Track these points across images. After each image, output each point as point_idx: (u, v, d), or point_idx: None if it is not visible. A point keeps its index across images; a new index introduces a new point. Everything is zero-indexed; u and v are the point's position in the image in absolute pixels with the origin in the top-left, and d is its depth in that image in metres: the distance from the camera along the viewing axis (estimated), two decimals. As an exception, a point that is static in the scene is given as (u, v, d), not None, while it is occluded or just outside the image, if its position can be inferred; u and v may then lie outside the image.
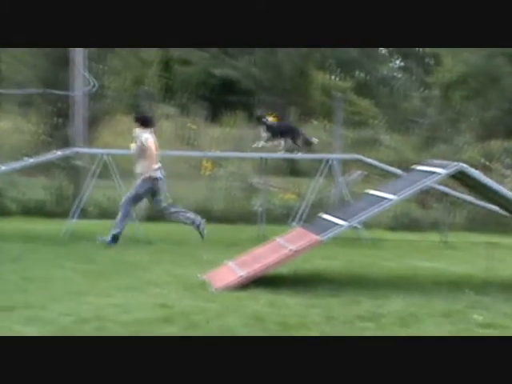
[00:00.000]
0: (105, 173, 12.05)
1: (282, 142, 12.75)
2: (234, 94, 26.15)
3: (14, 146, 17.56)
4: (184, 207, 14.67)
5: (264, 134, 12.76)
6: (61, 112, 15.68)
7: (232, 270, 8.43)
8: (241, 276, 8.04)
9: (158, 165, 11.29)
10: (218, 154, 15.42)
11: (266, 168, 14.06)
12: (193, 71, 27.22)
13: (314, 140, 13.26)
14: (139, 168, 11.24)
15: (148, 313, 6.78)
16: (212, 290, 7.83)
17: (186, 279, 8.43)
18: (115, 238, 11.01)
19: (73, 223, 11.82)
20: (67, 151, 12.74)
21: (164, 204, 11.42)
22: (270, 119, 13.06)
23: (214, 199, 15.10)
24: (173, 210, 11.56)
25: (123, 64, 21.66)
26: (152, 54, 24.10)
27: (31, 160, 12.12)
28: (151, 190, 11.26)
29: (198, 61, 27.51)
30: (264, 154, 14.20)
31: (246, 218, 14.02)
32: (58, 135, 16.23)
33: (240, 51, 26.80)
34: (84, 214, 12.22)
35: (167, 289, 7.90)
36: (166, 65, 26.42)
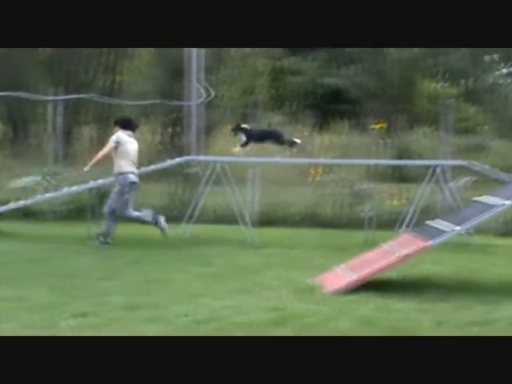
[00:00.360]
0: (219, 179, 12.21)
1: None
2: (341, 102, 26.04)
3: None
4: (294, 212, 14.77)
5: (243, 139, 12.63)
6: (177, 121, 16.00)
7: (342, 275, 8.40)
8: (350, 280, 8.00)
9: (134, 168, 11.17)
10: (326, 160, 15.43)
11: (374, 174, 13.95)
12: (301, 81, 27.27)
13: (297, 140, 13.15)
14: (116, 168, 11.15)
15: (261, 315, 6.83)
16: (322, 294, 7.83)
17: (296, 283, 8.43)
18: (162, 229, 11.27)
19: (189, 228, 12.03)
20: (184, 159, 12.98)
21: (126, 205, 11.18)
22: (247, 126, 12.86)
23: (322, 205, 15.08)
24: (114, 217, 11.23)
25: (235, 74, 21.95)
26: (263, 63, 24.32)
27: (151, 167, 12.40)
28: (132, 189, 11.12)
29: (307, 70, 27.54)
30: (372, 161, 14.12)
31: (354, 223, 13.93)
32: (174, 144, 16.58)
33: (348, 60, 26.71)
34: (199, 219, 12.40)
35: (279, 292, 7.93)
36: (276, 75, 26.58)
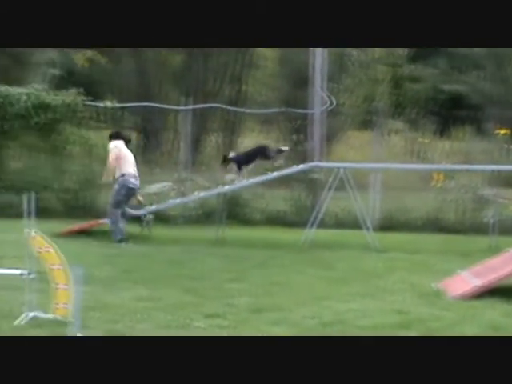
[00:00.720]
0: (340, 185, 12.13)
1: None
2: (462, 108, 25.43)
3: (257, 161, 18.16)
4: (416, 218, 14.51)
5: (235, 168, 12.60)
6: (300, 129, 16.04)
7: (466, 280, 8.17)
8: (476, 286, 7.77)
9: (133, 174, 11.41)
10: (447, 166, 15.08)
11: (497, 180, 13.53)
12: (422, 87, 26.81)
13: (285, 148, 12.86)
14: (116, 174, 11.40)
15: (385, 318, 6.73)
16: (447, 299, 7.64)
17: (420, 287, 8.28)
18: (121, 241, 11.26)
19: (311, 232, 12.01)
20: (308, 165, 12.96)
21: (119, 206, 11.41)
22: (233, 153, 12.85)
23: (444, 210, 14.76)
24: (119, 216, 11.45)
25: (356, 82, 21.83)
26: (383, 71, 24.07)
27: (275, 174, 12.46)
28: (128, 193, 11.41)
29: (428, 77, 27.07)
30: (494, 167, 13.68)
31: (477, 229, 13.58)
32: (297, 150, 16.59)
33: (470, 66, 26.04)
34: (321, 224, 12.35)
35: (402, 296, 7.81)
36: (396, 82, 26.23)
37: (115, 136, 11.87)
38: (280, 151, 12.85)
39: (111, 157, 11.42)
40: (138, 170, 11.66)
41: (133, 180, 11.42)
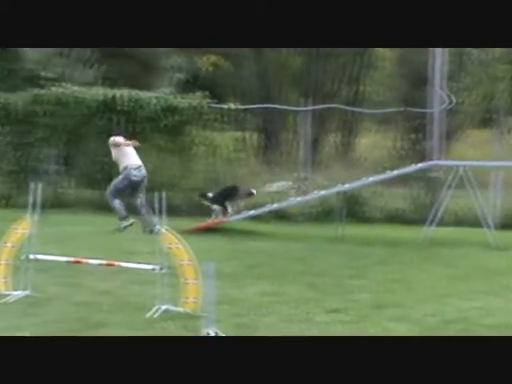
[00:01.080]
0: (459, 183, 11.81)
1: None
2: None
3: (376, 160, 18.00)
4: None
5: (214, 207, 12.62)
6: (418, 128, 15.75)
7: None
8: None
9: (135, 165, 11.53)
10: None
11: None
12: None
13: (253, 191, 12.82)
14: (120, 168, 11.60)
15: (510, 317, 6.50)
16: None
17: (544, 286, 7.97)
18: (122, 219, 11.53)
19: (430, 230, 11.75)
20: (427, 164, 12.68)
21: (139, 199, 11.58)
22: (210, 194, 12.85)
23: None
24: (144, 209, 11.56)
25: (475, 81, 21.24)
26: (503, 69, 23.31)
27: (394, 172, 12.27)
28: (129, 185, 11.52)
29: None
30: None
31: None
32: (415, 149, 16.31)
33: None
34: (440, 222, 12.06)
35: (527, 295, 7.54)
36: (516, 80, 25.32)
37: (116, 135, 12.22)
38: (250, 194, 12.97)
39: (112, 144, 11.69)
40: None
41: (135, 172, 11.61)
